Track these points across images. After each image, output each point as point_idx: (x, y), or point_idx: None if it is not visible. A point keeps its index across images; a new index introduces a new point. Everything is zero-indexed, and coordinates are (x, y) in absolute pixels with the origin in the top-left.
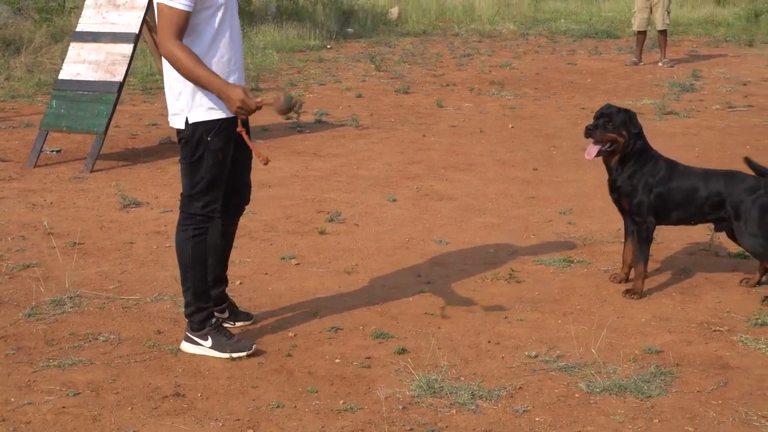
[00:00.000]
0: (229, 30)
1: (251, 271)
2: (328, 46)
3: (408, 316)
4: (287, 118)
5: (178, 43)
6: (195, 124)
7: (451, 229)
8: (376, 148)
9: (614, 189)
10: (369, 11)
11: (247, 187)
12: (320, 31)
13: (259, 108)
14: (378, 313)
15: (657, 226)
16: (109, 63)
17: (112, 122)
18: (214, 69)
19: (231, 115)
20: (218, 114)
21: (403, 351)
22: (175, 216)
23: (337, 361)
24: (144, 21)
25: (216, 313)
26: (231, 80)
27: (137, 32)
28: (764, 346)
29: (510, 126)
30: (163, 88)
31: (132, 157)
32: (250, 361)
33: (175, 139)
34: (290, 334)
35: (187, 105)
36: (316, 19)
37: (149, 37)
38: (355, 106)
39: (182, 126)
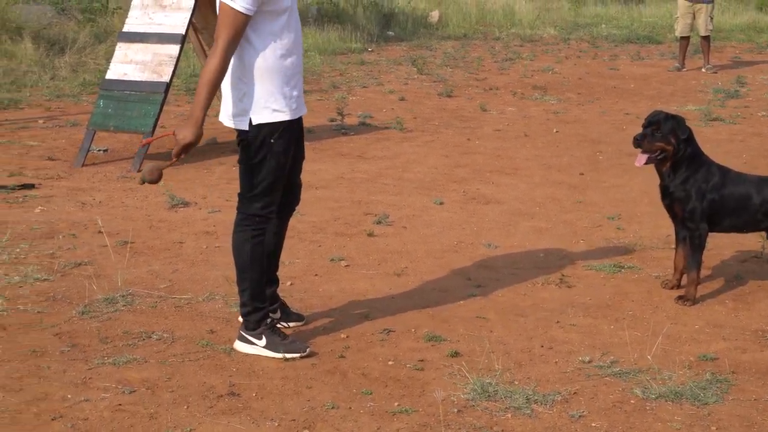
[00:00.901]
0: (293, 33)
1: (301, 272)
2: (369, 49)
3: (459, 319)
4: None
5: (224, 54)
6: (259, 125)
7: (500, 232)
8: (421, 151)
9: (666, 195)
10: (409, 14)
11: (297, 187)
12: (361, 33)
13: (171, 158)
14: (429, 316)
15: (709, 233)
16: (156, 63)
17: (158, 122)
18: (277, 71)
19: (294, 117)
20: (282, 116)
21: (456, 354)
22: (223, 216)
23: (390, 363)
24: (190, 22)
25: (269, 314)
26: (292, 83)
27: (183, 33)
28: None
29: (554, 130)
30: None
31: None
32: (304, 362)
33: (221, 141)
34: (342, 335)
35: (251, 107)
36: (356, 21)
37: (195, 38)
38: (399, 109)
39: (245, 127)
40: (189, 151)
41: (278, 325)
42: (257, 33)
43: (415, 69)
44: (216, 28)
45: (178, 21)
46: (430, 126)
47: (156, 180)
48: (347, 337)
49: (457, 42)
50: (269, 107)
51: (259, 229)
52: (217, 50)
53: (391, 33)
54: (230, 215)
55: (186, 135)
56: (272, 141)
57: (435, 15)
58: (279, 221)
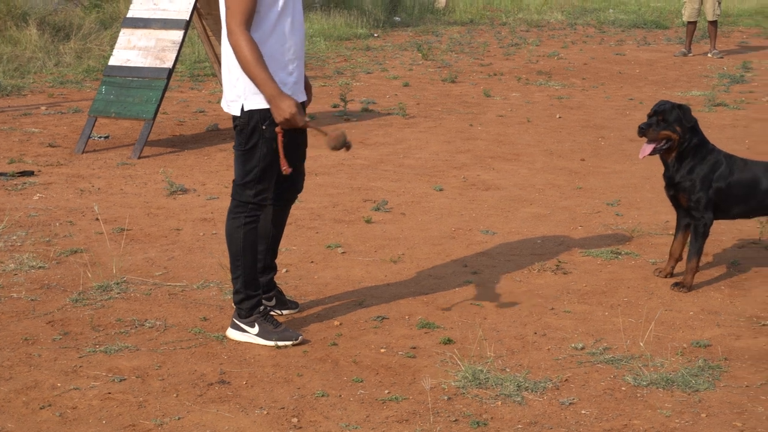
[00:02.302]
0: (291, 18)
1: (297, 259)
2: (375, 35)
3: (454, 307)
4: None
5: (246, 34)
6: (251, 111)
7: (498, 219)
8: (422, 137)
9: (672, 185)
10: (416, 0)
11: (300, 175)
12: (367, 19)
13: (305, 127)
14: (424, 303)
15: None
16: (159, 49)
17: (160, 109)
18: (271, 56)
19: None
20: None
21: (448, 341)
22: (221, 203)
23: (382, 350)
24: (195, 7)
25: (263, 301)
26: (289, 69)
27: (188, 19)
28: None
29: (557, 116)
30: (211, 74)
31: (179, 143)
32: (295, 350)
33: (222, 127)
34: (336, 322)
35: (243, 92)
36: (363, 7)
37: (199, 23)
38: (402, 94)
39: (238, 113)
40: (303, 114)
41: (272, 313)
42: (255, 15)
43: (421, 55)
44: (224, 17)
45: (182, 6)
46: (433, 112)
47: (346, 142)
48: (340, 324)
49: (463, 27)
50: (261, 93)
51: (252, 216)
52: (237, 35)
53: (397, 18)
54: (228, 202)
55: (287, 105)
56: (264, 127)
57: (442, 0)
58: (279, 209)
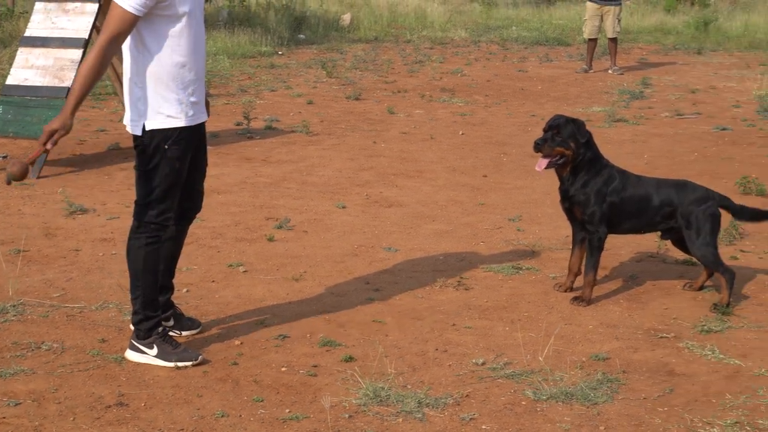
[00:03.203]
0: (192, 38)
1: (198, 279)
2: (280, 53)
3: (355, 324)
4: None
5: (103, 51)
6: (152, 131)
7: (401, 236)
8: (326, 155)
9: (566, 198)
10: (321, 17)
11: (199, 194)
12: (272, 37)
13: (38, 147)
14: (325, 321)
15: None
16: (58, 68)
17: None
18: (173, 76)
19: (190, 124)
20: (177, 123)
21: (350, 359)
22: (122, 223)
23: (283, 369)
24: (94, 26)
25: (162, 322)
26: (190, 90)
27: (87, 38)
28: (710, 353)
29: (460, 133)
30: (112, 93)
31: (79, 163)
32: (195, 370)
33: (124, 146)
34: (237, 342)
35: (145, 112)
36: (267, 25)
37: None
38: (306, 112)
39: (139, 133)
40: (55, 139)
41: (171, 333)
42: (153, 37)
43: (325, 72)
44: (103, 24)
45: (81, 25)
46: (337, 129)
47: (20, 174)
48: (241, 343)
49: (368, 45)
50: (163, 113)
51: (154, 236)
52: (96, 46)
53: (302, 36)
54: (129, 222)
55: (52, 123)
56: (166, 147)
57: (347, 18)
58: (177, 228)
